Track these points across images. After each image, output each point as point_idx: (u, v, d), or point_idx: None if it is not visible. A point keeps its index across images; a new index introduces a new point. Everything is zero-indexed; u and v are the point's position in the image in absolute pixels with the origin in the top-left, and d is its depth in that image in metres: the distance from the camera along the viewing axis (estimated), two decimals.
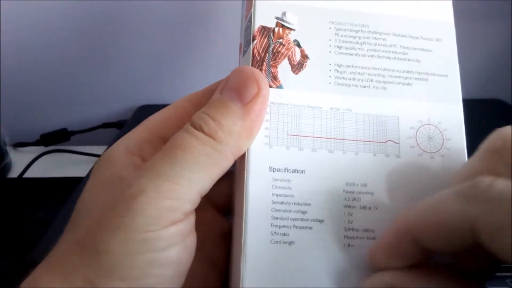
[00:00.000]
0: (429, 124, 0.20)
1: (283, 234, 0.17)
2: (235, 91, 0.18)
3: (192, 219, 0.17)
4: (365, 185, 0.18)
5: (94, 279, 0.15)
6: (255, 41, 0.20)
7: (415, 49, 0.21)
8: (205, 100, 0.19)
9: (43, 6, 0.53)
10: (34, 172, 0.52)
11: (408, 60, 0.20)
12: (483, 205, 0.13)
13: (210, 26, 0.55)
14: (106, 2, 0.53)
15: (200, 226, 0.17)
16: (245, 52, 0.21)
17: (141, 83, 0.60)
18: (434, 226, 0.15)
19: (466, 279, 0.16)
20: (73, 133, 0.59)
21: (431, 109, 0.20)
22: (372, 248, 0.17)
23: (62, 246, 0.16)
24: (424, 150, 0.19)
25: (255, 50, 0.20)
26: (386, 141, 0.19)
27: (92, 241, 0.15)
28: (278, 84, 0.19)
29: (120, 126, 0.58)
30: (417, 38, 0.21)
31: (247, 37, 0.21)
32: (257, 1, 0.20)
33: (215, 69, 0.58)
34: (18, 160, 0.56)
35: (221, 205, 0.21)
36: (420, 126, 0.20)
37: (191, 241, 0.17)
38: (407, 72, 0.20)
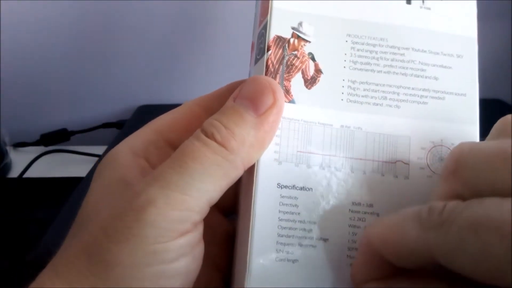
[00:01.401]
0: (441, 145, 0.19)
1: (288, 252, 0.17)
2: (249, 100, 0.17)
3: (200, 228, 0.17)
4: (371, 205, 0.18)
5: None
6: (269, 52, 0.19)
7: (434, 65, 0.20)
8: (214, 104, 0.18)
9: (43, 6, 0.53)
10: (34, 172, 0.52)
11: (426, 77, 0.20)
12: (436, 232, 0.13)
13: (210, 26, 0.55)
14: (106, 2, 0.53)
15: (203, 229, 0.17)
16: (257, 60, 0.20)
17: (141, 83, 0.60)
18: (393, 245, 0.14)
19: (456, 282, 0.15)
20: (73, 133, 0.59)
21: (445, 129, 0.19)
22: (351, 269, 0.17)
23: (68, 251, 0.16)
24: (434, 172, 0.19)
25: (269, 61, 0.19)
26: (396, 162, 0.19)
27: (100, 251, 0.15)
28: (291, 99, 0.19)
29: (120, 126, 0.58)
30: (437, 53, 0.20)
31: (261, 45, 0.20)
32: (273, 8, 0.20)
33: (216, 69, 0.58)
34: (18, 160, 0.56)
35: (224, 207, 0.21)
36: (432, 147, 0.19)
37: (199, 251, 0.17)
38: (423, 90, 0.19)
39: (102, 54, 0.57)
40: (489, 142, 0.14)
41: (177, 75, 0.59)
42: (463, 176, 0.14)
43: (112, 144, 0.51)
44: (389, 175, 0.19)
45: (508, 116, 0.16)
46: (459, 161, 0.14)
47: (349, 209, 0.18)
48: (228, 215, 0.21)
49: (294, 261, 0.17)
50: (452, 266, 0.13)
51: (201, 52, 0.57)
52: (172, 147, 0.19)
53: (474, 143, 0.15)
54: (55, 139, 0.58)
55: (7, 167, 0.55)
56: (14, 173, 0.54)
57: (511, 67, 0.56)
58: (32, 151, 0.57)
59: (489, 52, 0.56)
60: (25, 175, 0.52)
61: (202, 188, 0.16)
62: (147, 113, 0.58)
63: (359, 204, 0.18)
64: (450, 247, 0.13)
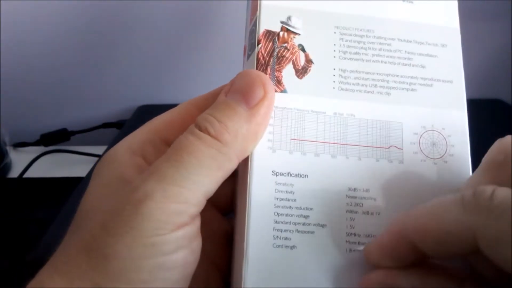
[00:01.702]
0: (433, 130, 0.20)
1: (285, 238, 0.17)
2: (241, 94, 0.18)
3: (197, 222, 0.17)
4: (367, 190, 0.18)
5: (101, 283, 0.15)
6: (260, 45, 0.20)
7: (420, 54, 0.21)
8: (208, 104, 0.19)
9: (43, 6, 0.53)
10: (34, 172, 0.52)
11: (413, 65, 0.20)
12: (484, 215, 0.13)
13: (211, 27, 0.55)
14: (106, 2, 0.53)
15: (201, 226, 0.17)
16: (249, 55, 0.21)
17: (141, 83, 0.60)
18: (433, 232, 0.15)
19: (464, 280, 0.15)
20: (73, 133, 0.59)
21: (435, 115, 0.20)
22: (368, 246, 0.17)
23: (67, 249, 0.16)
24: (427, 156, 0.19)
25: (260, 54, 0.19)
26: (389, 147, 0.19)
27: (99, 245, 0.15)
28: (282, 89, 0.19)
29: (120, 126, 0.58)
30: (422, 43, 0.21)
31: (252, 41, 0.21)
32: (262, 5, 0.20)
33: (216, 69, 0.58)
34: (18, 160, 0.56)
35: (222, 205, 0.21)
36: (424, 132, 0.20)
37: (197, 244, 0.17)
38: (412, 77, 0.20)
39: (102, 54, 0.57)
40: None
41: (177, 75, 0.59)
42: (508, 168, 0.14)
43: (112, 144, 0.51)
44: (383, 160, 0.19)
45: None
46: (508, 153, 0.15)
47: (346, 195, 0.18)
48: (226, 215, 0.21)
49: (292, 247, 0.17)
50: (492, 253, 0.13)
51: (201, 52, 0.57)
52: (168, 145, 0.19)
53: None
54: (55, 139, 0.58)
55: (7, 167, 0.55)
56: (14, 173, 0.54)
57: (511, 67, 0.56)
58: (32, 151, 0.57)
59: (489, 52, 0.56)
60: (25, 175, 0.52)
61: (198, 181, 0.16)
62: (147, 113, 0.58)
63: (356, 189, 0.18)
64: (499, 234, 0.13)
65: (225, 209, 0.21)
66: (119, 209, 0.15)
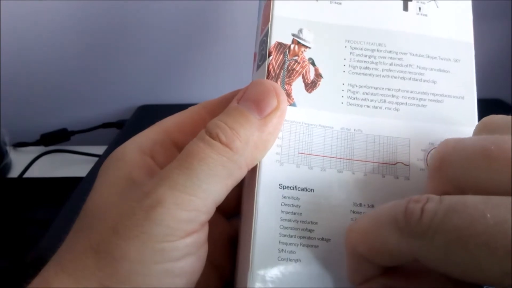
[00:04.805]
0: None
1: (290, 252, 0.17)
2: (254, 102, 0.18)
3: (206, 229, 0.17)
4: (372, 206, 0.18)
5: (108, 285, 0.15)
6: (270, 57, 0.20)
7: (431, 69, 0.20)
8: (220, 108, 0.19)
9: (43, 6, 0.53)
10: (34, 172, 0.52)
11: (424, 81, 0.20)
12: (418, 240, 0.13)
13: (211, 27, 0.55)
14: (106, 2, 0.53)
15: None
16: (259, 66, 0.21)
17: (141, 83, 0.60)
18: (374, 251, 0.14)
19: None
20: (73, 133, 0.59)
21: (445, 131, 0.19)
22: (347, 272, 0.17)
23: (73, 247, 0.16)
24: None
25: (271, 66, 0.20)
26: (396, 163, 0.19)
27: (108, 247, 0.15)
28: (292, 102, 0.19)
29: (120, 126, 0.58)
30: (434, 58, 0.20)
31: (263, 52, 0.20)
32: (274, 16, 0.20)
33: (216, 69, 0.58)
34: (18, 160, 0.56)
35: (225, 209, 0.21)
36: (432, 149, 0.19)
37: (204, 251, 0.17)
38: (422, 93, 0.20)
39: (102, 54, 0.57)
40: (473, 138, 0.14)
41: (177, 75, 0.59)
42: (447, 173, 0.14)
43: (112, 144, 0.51)
44: (390, 176, 0.19)
45: (491, 116, 0.16)
46: (443, 158, 0.14)
47: (351, 210, 0.18)
48: (229, 218, 0.21)
49: (296, 260, 0.17)
50: (441, 271, 0.13)
51: (201, 52, 0.57)
52: (177, 147, 0.20)
53: (458, 139, 0.14)
54: (55, 139, 0.58)
55: (7, 167, 0.55)
56: (14, 173, 0.54)
57: (511, 67, 0.56)
58: (32, 151, 0.57)
59: (489, 52, 0.56)
60: (25, 175, 0.52)
61: (208, 189, 0.16)
62: (147, 113, 0.58)
63: (361, 204, 0.18)
64: (437, 256, 0.12)
65: (228, 212, 0.21)
66: (130, 213, 0.15)
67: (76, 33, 0.55)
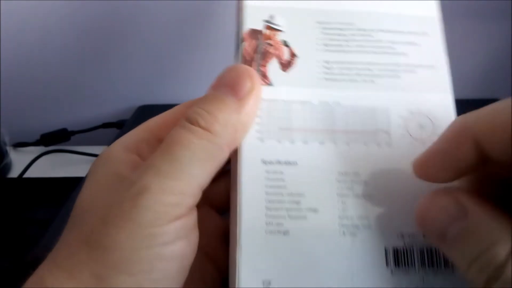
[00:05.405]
0: (419, 114, 0.20)
1: (278, 224, 0.18)
2: (229, 86, 0.18)
3: (194, 214, 0.17)
4: (357, 174, 0.19)
5: (101, 274, 0.15)
6: (244, 43, 0.20)
7: (401, 43, 0.21)
8: None
9: (43, 6, 0.53)
10: (34, 172, 0.52)
11: (395, 54, 0.21)
12: None
13: (211, 26, 0.55)
14: (106, 2, 0.53)
15: (198, 225, 0.18)
16: (236, 54, 0.21)
17: (141, 83, 0.60)
18: (502, 128, 0.14)
19: None
20: (73, 133, 0.59)
21: (421, 99, 0.20)
22: (420, 159, 0.16)
23: (67, 243, 0.16)
24: (415, 139, 0.20)
25: (245, 51, 0.20)
26: (377, 131, 0.20)
27: (99, 237, 0.15)
28: (268, 82, 0.20)
29: (120, 126, 0.58)
30: (403, 32, 0.21)
31: (237, 40, 0.21)
32: (245, 5, 0.21)
33: (216, 69, 0.58)
34: (18, 160, 0.56)
35: (218, 204, 0.21)
36: (410, 116, 0.20)
37: (195, 236, 0.17)
38: (395, 65, 0.21)
39: (102, 54, 0.57)
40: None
41: (177, 75, 0.59)
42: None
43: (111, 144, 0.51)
44: (372, 144, 0.19)
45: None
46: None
47: (336, 179, 0.19)
48: (223, 213, 0.22)
49: (285, 232, 0.18)
50: None
51: (201, 52, 0.57)
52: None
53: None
54: (55, 139, 0.58)
55: (7, 167, 0.55)
56: (14, 173, 0.54)
57: (511, 67, 0.56)
58: (32, 151, 0.57)
59: (489, 52, 0.56)
60: (25, 175, 0.52)
61: (192, 173, 0.16)
62: (147, 113, 0.58)
63: (346, 173, 0.19)
64: None
65: (221, 208, 0.22)
66: (118, 203, 0.16)
67: (76, 33, 0.55)
